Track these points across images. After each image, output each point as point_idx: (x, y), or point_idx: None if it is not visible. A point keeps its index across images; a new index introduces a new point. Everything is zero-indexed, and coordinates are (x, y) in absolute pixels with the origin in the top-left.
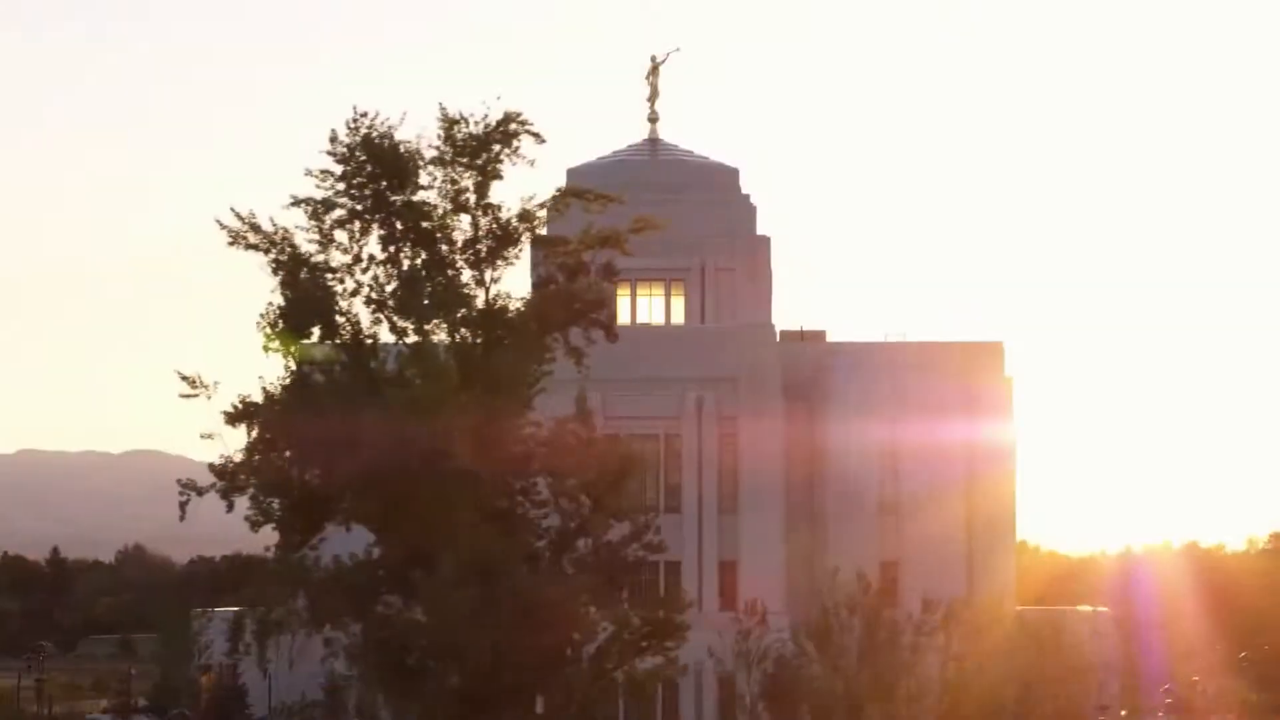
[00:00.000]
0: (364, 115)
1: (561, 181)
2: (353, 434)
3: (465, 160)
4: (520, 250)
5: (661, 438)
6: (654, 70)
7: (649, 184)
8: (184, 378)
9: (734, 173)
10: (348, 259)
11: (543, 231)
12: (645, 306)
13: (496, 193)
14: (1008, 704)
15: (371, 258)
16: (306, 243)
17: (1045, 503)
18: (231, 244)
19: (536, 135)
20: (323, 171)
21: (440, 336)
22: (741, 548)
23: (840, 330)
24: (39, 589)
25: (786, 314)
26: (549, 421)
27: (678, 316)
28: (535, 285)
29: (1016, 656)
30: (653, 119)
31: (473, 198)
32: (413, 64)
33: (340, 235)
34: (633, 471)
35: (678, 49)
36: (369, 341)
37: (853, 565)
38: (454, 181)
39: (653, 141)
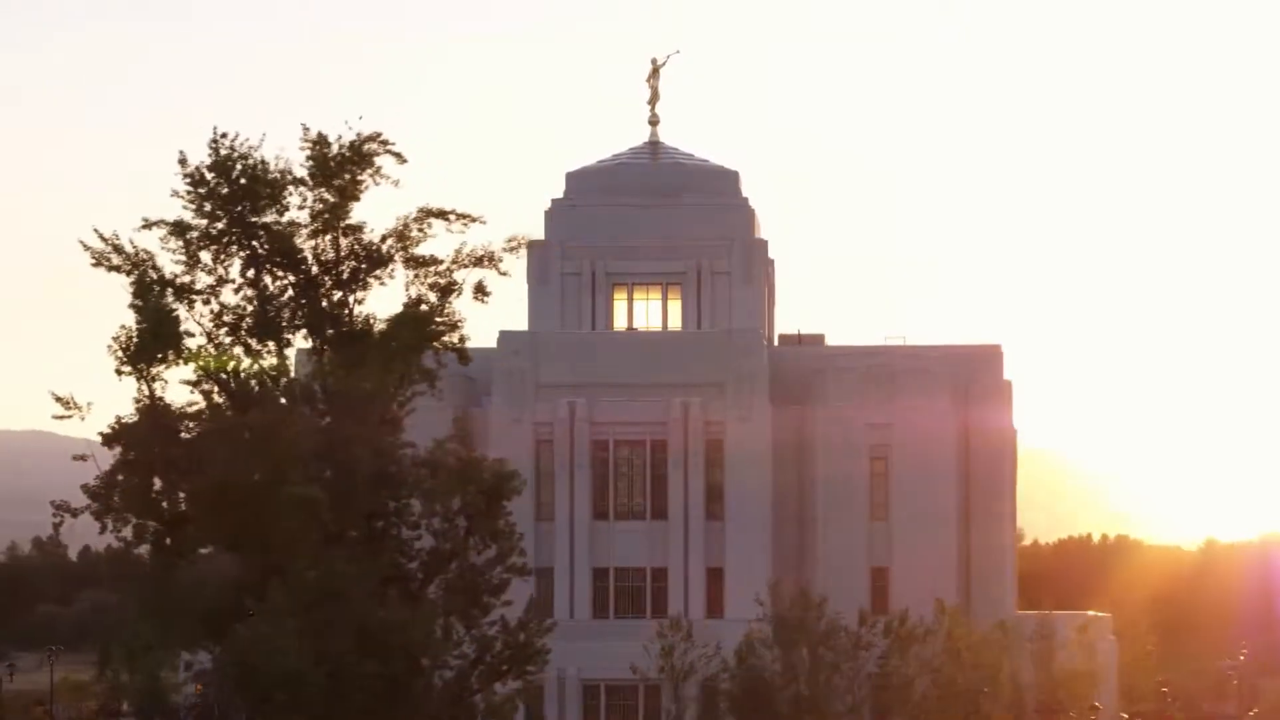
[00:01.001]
0: (224, 136)
1: (562, 186)
2: (200, 456)
3: (326, 181)
4: (393, 270)
5: (648, 443)
6: (654, 73)
7: (648, 187)
8: (57, 399)
9: (734, 175)
10: (212, 280)
11: (418, 250)
12: (643, 311)
13: (367, 214)
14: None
15: (246, 278)
16: (172, 264)
17: (1141, 498)
18: (95, 265)
19: (398, 155)
20: (189, 192)
21: (300, 358)
22: (728, 554)
23: (841, 334)
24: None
25: (787, 317)
26: (428, 442)
27: (675, 321)
28: (406, 305)
29: (967, 666)
30: (653, 122)
31: (331, 218)
32: (412, 64)
33: (206, 257)
34: (509, 492)
35: (678, 51)
36: (231, 363)
37: (841, 571)
38: (323, 201)
39: (653, 144)
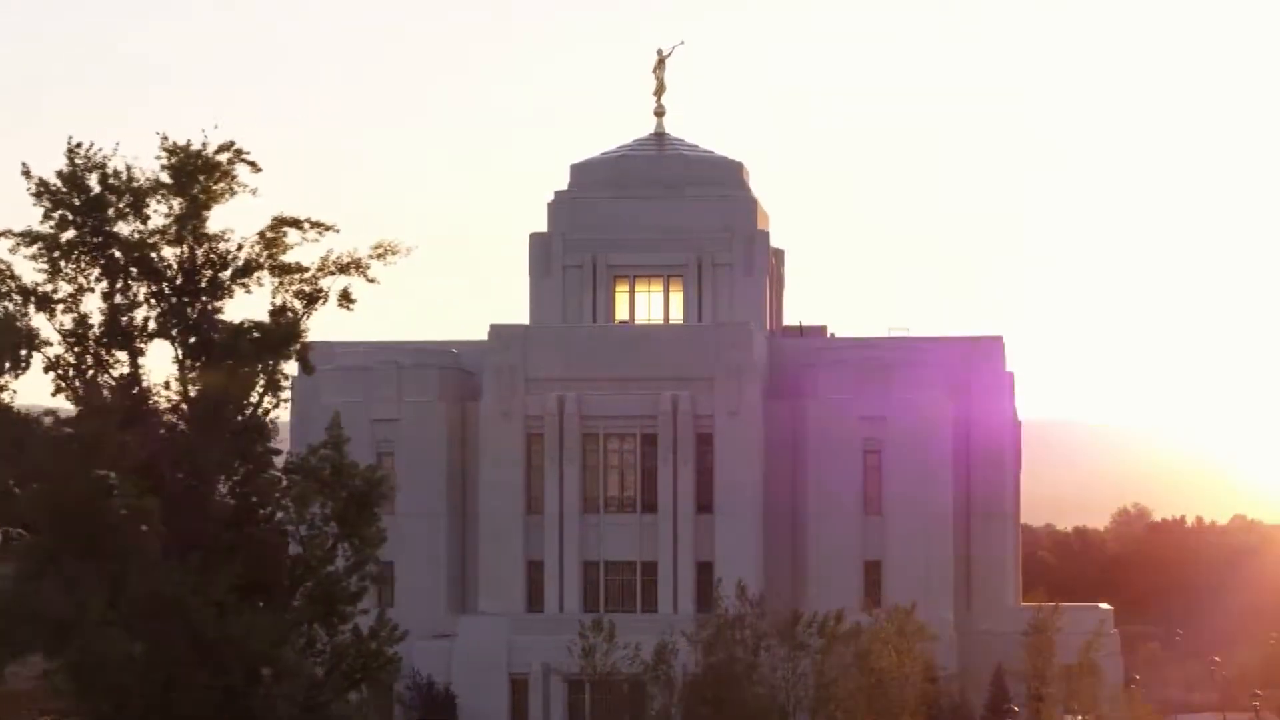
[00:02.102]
0: (79, 146)
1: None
2: (35, 466)
3: (179, 190)
4: (260, 278)
5: (638, 437)
6: (660, 64)
7: (651, 179)
8: None
9: (737, 167)
10: (72, 289)
11: (285, 258)
12: (644, 303)
13: (234, 223)
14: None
15: (113, 287)
16: (34, 273)
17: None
18: None
19: (253, 164)
20: (47, 199)
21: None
22: (718, 548)
23: (853, 326)
24: None
25: (799, 310)
26: (302, 448)
27: (677, 314)
28: (271, 313)
29: (872, 669)
30: (659, 113)
31: (186, 227)
32: (414, 60)
33: (69, 266)
34: (379, 497)
35: (682, 42)
36: (89, 374)
37: (833, 565)
38: (185, 210)
39: (659, 136)
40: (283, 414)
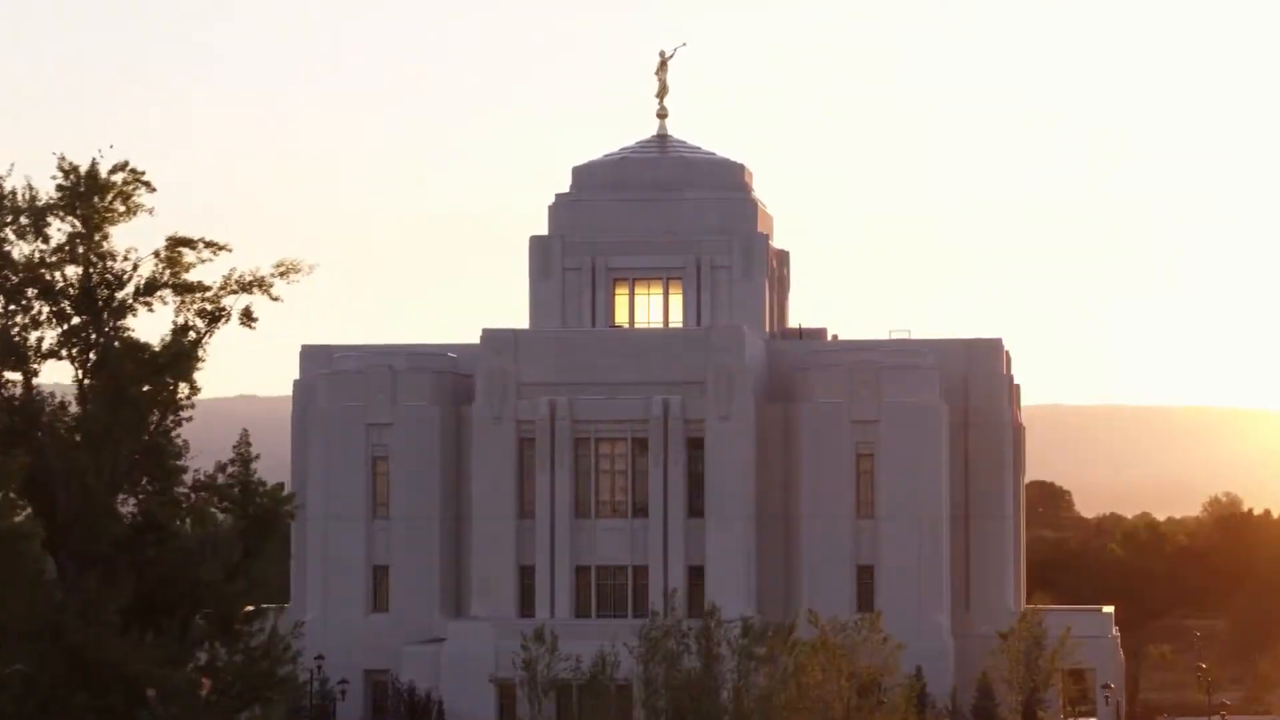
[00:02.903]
0: None
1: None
2: None
3: (72, 209)
4: (163, 296)
5: (629, 441)
6: (662, 65)
7: (652, 181)
8: None
9: (738, 169)
10: None
11: (189, 277)
12: (644, 306)
13: (138, 241)
14: None
15: (18, 307)
16: None
17: None
18: None
19: (148, 185)
20: None
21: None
22: (709, 552)
23: (850, 329)
24: None
25: (797, 312)
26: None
27: (677, 316)
28: (174, 332)
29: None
30: (661, 115)
31: (80, 247)
32: (416, 57)
33: None
34: (285, 515)
35: (685, 44)
36: None
37: (826, 569)
38: (81, 228)
39: (661, 138)
40: (283, 417)
